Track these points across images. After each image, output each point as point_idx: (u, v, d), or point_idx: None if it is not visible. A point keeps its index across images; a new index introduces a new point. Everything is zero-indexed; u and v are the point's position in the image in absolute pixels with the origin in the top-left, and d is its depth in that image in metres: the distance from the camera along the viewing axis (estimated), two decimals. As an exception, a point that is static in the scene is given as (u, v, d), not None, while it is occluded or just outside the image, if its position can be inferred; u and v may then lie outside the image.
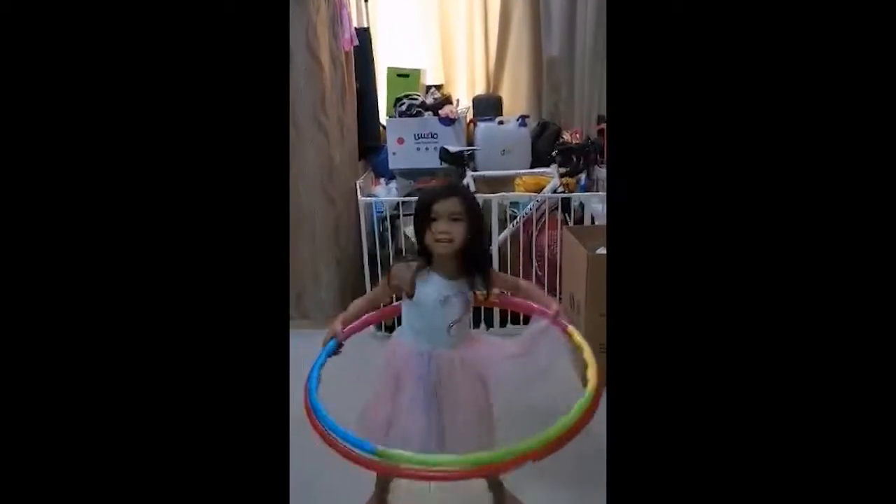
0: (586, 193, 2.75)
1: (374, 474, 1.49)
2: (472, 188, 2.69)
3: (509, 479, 1.52)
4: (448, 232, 1.25)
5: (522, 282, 1.50)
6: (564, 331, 1.29)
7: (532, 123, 3.00)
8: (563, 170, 2.72)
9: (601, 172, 2.81)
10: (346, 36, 2.70)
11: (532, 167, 2.87)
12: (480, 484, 1.51)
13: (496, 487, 1.52)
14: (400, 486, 1.55)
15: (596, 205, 2.63)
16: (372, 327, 2.60)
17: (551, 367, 1.30)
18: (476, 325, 2.53)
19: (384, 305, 1.51)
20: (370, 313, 1.45)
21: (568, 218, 2.65)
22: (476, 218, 1.30)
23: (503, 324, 2.60)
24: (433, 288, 1.30)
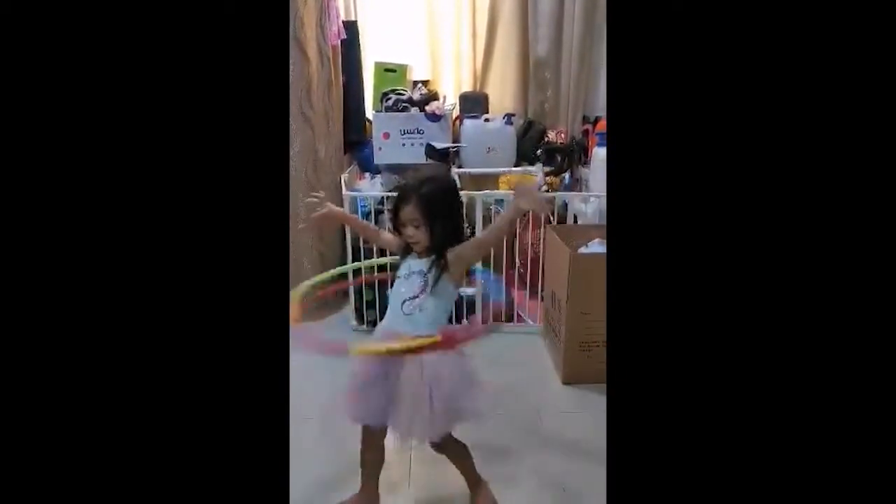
0: (570, 193, 2.77)
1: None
2: (458, 185, 2.70)
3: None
4: (412, 237, 1.32)
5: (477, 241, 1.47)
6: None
7: (518, 122, 3.01)
8: (547, 169, 2.74)
9: (585, 172, 2.84)
10: (334, 29, 2.69)
11: (517, 165, 2.89)
12: (459, 482, 1.52)
13: (476, 486, 1.52)
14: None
15: (579, 204, 2.65)
16: (354, 322, 2.60)
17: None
18: (458, 320, 2.54)
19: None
20: None
21: (551, 217, 2.67)
22: (441, 216, 1.30)
23: (484, 321, 2.61)
24: (407, 263, 1.37)
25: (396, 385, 1.30)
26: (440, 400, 1.28)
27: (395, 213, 1.34)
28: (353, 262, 2.57)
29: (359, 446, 1.45)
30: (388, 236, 1.50)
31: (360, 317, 2.60)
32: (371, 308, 2.57)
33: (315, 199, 1.48)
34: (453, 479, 1.51)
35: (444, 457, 1.48)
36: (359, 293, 2.59)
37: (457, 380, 1.32)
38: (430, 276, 1.32)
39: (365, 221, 1.53)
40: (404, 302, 1.33)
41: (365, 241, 1.45)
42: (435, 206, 1.30)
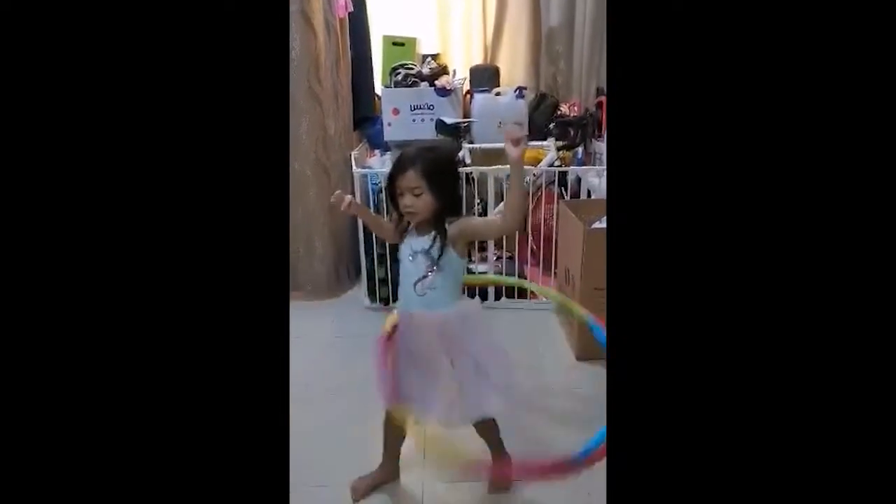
0: (583, 167, 2.73)
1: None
2: (468, 160, 2.66)
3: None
4: (410, 206, 1.28)
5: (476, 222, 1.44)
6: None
7: (530, 95, 2.96)
8: (560, 143, 2.70)
9: (598, 146, 2.79)
10: (341, 2, 2.64)
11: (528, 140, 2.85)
12: (473, 456, 1.52)
13: (499, 459, 1.52)
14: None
15: (592, 178, 2.61)
16: (367, 300, 2.61)
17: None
18: (472, 294, 2.53)
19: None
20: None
21: (564, 192, 2.64)
22: (443, 184, 1.28)
23: (497, 297, 2.60)
24: (407, 244, 1.35)
25: (436, 371, 1.30)
26: (488, 383, 1.30)
27: (393, 181, 1.30)
28: (363, 241, 2.57)
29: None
30: (387, 225, 1.46)
31: (372, 294, 2.60)
32: (384, 285, 2.57)
33: (335, 201, 1.41)
34: (467, 453, 1.51)
35: (456, 432, 1.48)
36: (371, 270, 2.58)
37: (498, 359, 1.33)
38: (434, 252, 1.30)
39: (373, 214, 1.48)
40: (416, 283, 1.32)
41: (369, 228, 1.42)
42: (437, 173, 1.27)
